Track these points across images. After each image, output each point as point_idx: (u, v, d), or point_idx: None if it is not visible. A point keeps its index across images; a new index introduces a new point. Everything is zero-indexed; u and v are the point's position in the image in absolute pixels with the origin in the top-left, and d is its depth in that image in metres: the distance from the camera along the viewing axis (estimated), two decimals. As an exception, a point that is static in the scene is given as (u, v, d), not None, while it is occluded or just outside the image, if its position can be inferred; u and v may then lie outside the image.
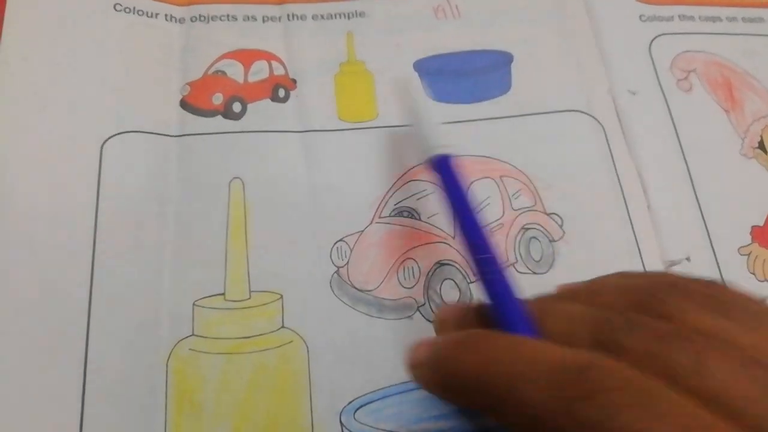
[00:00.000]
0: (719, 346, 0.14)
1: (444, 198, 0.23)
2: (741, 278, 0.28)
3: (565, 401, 0.14)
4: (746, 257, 0.28)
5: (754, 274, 0.28)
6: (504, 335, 0.17)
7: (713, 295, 0.16)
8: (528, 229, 0.27)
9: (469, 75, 0.30)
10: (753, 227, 0.29)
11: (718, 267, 0.28)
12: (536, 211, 0.28)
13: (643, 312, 0.16)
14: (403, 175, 0.28)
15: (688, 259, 0.27)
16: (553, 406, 0.14)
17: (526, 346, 0.16)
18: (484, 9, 0.32)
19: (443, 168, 0.24)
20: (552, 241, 0.27)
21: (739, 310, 0.16)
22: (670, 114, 0.31)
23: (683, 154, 0.30)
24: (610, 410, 0.13)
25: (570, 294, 0.18)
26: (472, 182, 0.28)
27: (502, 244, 0.27)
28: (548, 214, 0.28)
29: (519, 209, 0.28)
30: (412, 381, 0.19)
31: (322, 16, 0.31)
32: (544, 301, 0.19)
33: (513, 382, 0.15)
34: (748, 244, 0.28)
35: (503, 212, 0.28)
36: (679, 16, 0.33)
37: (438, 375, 0.18)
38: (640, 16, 0.33)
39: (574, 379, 0.14)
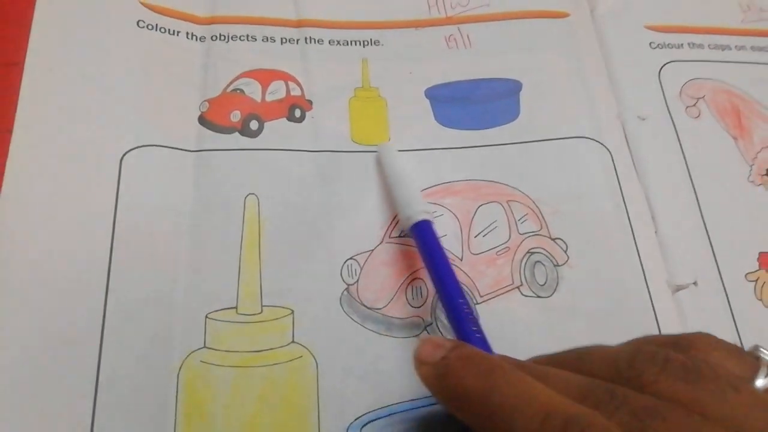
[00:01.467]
0: (690, 422, 0.16)
1: (424, 259, 0.25)
2: (748, 304, 0.28)
3: None
4: (753, 283, 0.28)
5: (761, 300, 0.28)
6: (512, 367, 0.18)
7: (688, 366, 0.17)
8: (533, 253, 0.28)
9: (478, 103, 0.31)
10: (760, 253, 0.29)
11: (725, 292, 0.28)
12: (542, 235, 0.28)
13: (623, 382, 0.17)
14: (413, 197, 0.28)
15: (695, 283, 0.28)
16: None
17: (528, 385, 0.18)
18: (494, 38, 0.33)
19: (423, 232, 0.25)
20: (556, 265, 0.28)
21: (713, 380, 0.17)
22: (679, 140, 0.31)
23: (691, 180, 0.30)
24: None
25: (558, 362, 0.20)
26: (479, 206, 0.28)
27: (508, 267, 0.27)
28: (553, 239, 0.28)
29: (525, 233, 0.28)
30: (415, 371, 0.20)
31: (339, 42, 0.32)
32: (538, 362, 0.20)
33: (510, 413, 0.17)
34: (755, 270, 0.29)
35: (509, 236, 0.28)
36: (688, 44, 0.34)
37: (442, 382, 0.19)
38: (650, 44, 0.34)
39: (560, 425, 0.16)
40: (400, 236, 0.27)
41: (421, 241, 0.25)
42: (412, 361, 0.21)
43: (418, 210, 0.26)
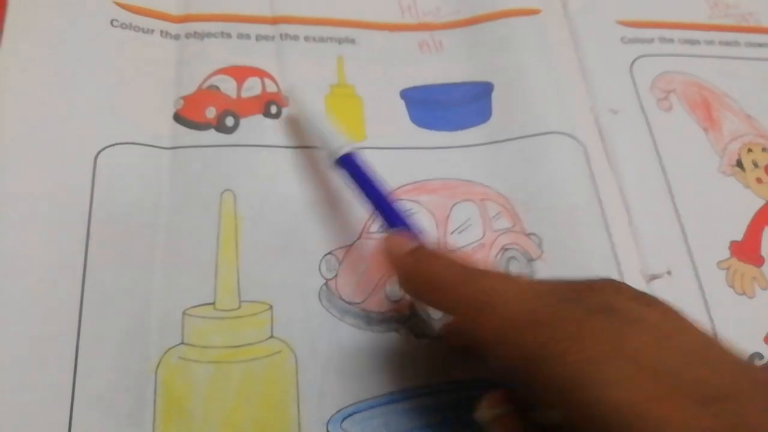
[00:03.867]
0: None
1: (358, 190, 0.26)
2: (720, 291, 0.28)
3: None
4: (725, 271, 0.29)
5: (732, 287, 0.29)
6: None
7: (640, 295, 0.19)
8: (507, 249, 0.28)
9: (451, 105, 0.31)
10: (731, 242, 0.30)
11: (699, 281, 0.28)
12: (515, 232, 0.28)
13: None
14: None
15: (669, 273, 0.28)
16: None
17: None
18: (465, 42, 0.33)
19: (350, 164, 0.26)
20: (531, 260, 0.28)
21: (660, 304, 0.19)
22: (651, 133, 0.32)
23: (664, 172, 0.31)
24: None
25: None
26: (454, 204, 0.29)
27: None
28: (527, 235, 0.28)
29: (499, 230, 0.28)
30: (390, 265, 0.23)
31: (314, 38, 0.32)
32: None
33: (493, 294, 0.20)
34: (727, 259, 0.29)
35: (483, 233, 0.28)
36: (659, 39, 0.34)
37: (420, 267, 0.22)
38: (622, 38, 0.34)
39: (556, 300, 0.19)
40: (378, 231, 0.28)
41: (351, 170, 0.26)
42: (385, 256, 0.23)
43: (342, 143, 0.26)
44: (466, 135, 0.31)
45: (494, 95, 0.32)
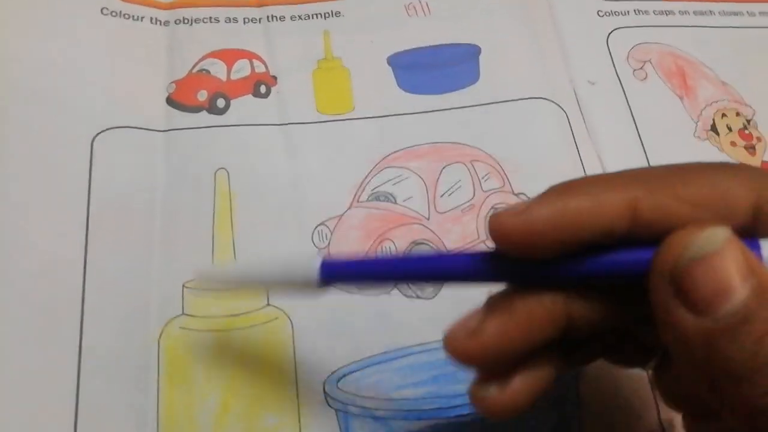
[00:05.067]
0: None
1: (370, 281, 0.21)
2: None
3: None
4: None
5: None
6: None
7: None
8: (497, 208, 0.29)
9: (439, 67, 0.32)
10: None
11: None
12: (505, 191, 0.30)
13: None
14: (379, 162, 0.29)
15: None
16: None
17: None
18: (452, 5, 0.34)
19: (337, 267, 0.19)
20: (520, 219, 0.29)
21: None
22: (627, 101, 0.33)
23: (640, 138, 0.32)
24: None
25: None
26: (444, 167, 0.30)
27: (473, 223, 0.29)
28: (516, 194, 0.30)
29: (488, 190, 0.29)
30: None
31: (300, 17, 0.33)
32: None
33: None
34: (703, 220, 0.30)
35: (474, 193, 0.29)
36: (634, 11, 0.36)
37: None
38: (598, 12, 0.35)
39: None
40: (368, 200, 0.29)
41: (344, 273, 0.20)
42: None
43: (308, 257, 0.19)
44: (454, 97, 0.32)
45: (481, 58, 0.33)
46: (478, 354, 0.17)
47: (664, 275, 0.15)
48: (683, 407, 0.21)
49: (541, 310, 0.17)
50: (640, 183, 0.16)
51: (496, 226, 0.16)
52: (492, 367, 0.17)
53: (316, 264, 0.19)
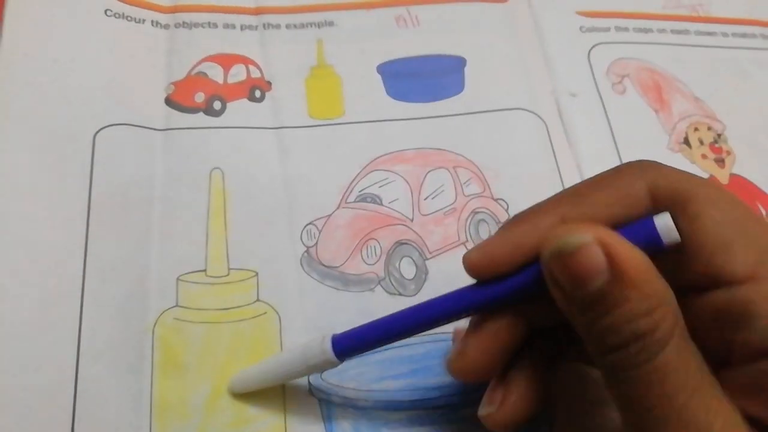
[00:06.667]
0: None
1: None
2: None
3: None
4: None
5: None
6: None
7: None
8: (477, 212, 0.31)
9: (426, 77, 0.34)
10: (678, 213, 0.32)
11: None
12: (485, 197, 0.31)
13: None
14: (367, 165, 0.31)
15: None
16: None
17: None
18: (441, 18, 0.36)
19: (347, 341, 0.23)
20: (498, 223, 0.31)
21: None
22: (606, 114, 0.34)
23: (617, 149, 0.33)
24: None
25: None
26: (428, 172, 0.31)
27: (455, 225, 0.30)
28: (496, 200, 0.31)
29: (470, 195, 0.31)
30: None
31: (295, 25, 0.34)
32: None
33: None
34: (674, 228, 0.32)
35: (456, 198, 0.31)
36: (615, 28, 0.37)
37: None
38: (580, 27, 0.37)
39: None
40: (355, 201, 0.30)
41: (358, 343, 0.23)
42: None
43: (322, 338, 0.23)
44: (440, 106, 0.33)
45: (467, 69, 0.34)
46: (469, 369, 0.21)
47: (544, 264, 0.19)
48: None
49: (505, 321, 0.21)
50: (567, 200, 0.20)
51: (466, 261, 0.21)
52: (486, 377, 0.22)
53: (328, 345, 0.23)
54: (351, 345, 0.23)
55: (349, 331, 0.23)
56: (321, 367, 0.23)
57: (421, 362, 0.27)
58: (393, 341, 0.23)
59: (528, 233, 0.20)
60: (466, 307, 0.21)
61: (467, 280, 0.28)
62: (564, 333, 0.22)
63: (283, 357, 0.25)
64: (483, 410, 0.22)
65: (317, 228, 0.29)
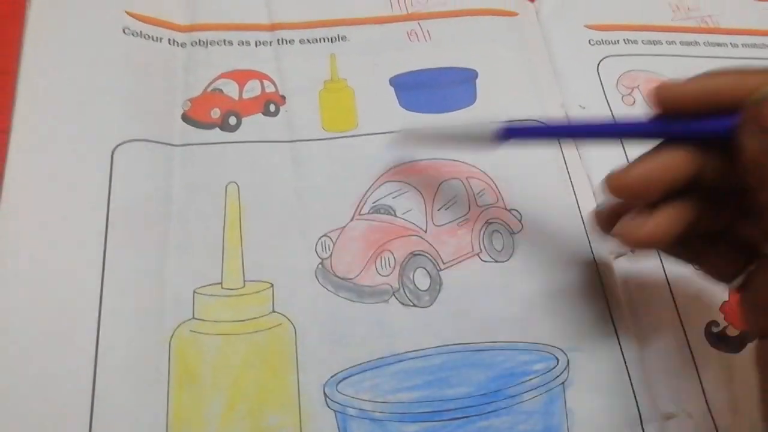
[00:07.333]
0: None
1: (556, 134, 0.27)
2: (680, 268, 0.31)
3: None
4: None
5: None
6: None
7: None
8: (491, 223, 0.31)
9: (438, 89, 0.34)
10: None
11: (660, 256, 0.31)
12: (498, 207, 0.31)
13: None
14: (380, 177, 0.31)
15: (632, 251, 0.31)
16: None
17: None
18: (452, 32, 0.36)
19: (518, 131, 0.26)
20: (512, 233, 0.31)
21: None
22: (616, 125, 0.34)
23: (628, 160, 0.33)
24: None
25: None
26: (442, 182, 0.31)
27: (468, 236, 0.30)
28: (509, 210, 0.31)
29: (483, 206, 0.31)
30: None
31: (308, 41, 0.35)
32: None
33: None
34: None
35: (469, 209, 0.31)
36: (624, 40, 0.38)
37: None
38: (590, 41, 0.37)
39: None
40: (369, 212, 0.30)
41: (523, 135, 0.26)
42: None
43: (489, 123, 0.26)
44: (452, 117, 0.34)
45: (478, 82, 0.35)
46: (628, 183, 0.22)
47: (752, 107, 0.19)
48: (762, 327, 0.22)
49: (678, 156, 0.22)
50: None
51: (662, 90, 0.22)
52: (637, 197, 0.23)
53: (493, 126, 0.26)
54: (516, 129, 0.26)
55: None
56: (480, 138, 0.27)
57: (436, 374, 0.27)
58: (557, 139, 0.27)
59: (731, 83, 0.21)
60: (642, 130, 0.23)
61: (481, 292, 0.29)
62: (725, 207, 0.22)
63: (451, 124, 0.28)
64: (625, 224, 0.23)
65: (331, 240, 0.29)
